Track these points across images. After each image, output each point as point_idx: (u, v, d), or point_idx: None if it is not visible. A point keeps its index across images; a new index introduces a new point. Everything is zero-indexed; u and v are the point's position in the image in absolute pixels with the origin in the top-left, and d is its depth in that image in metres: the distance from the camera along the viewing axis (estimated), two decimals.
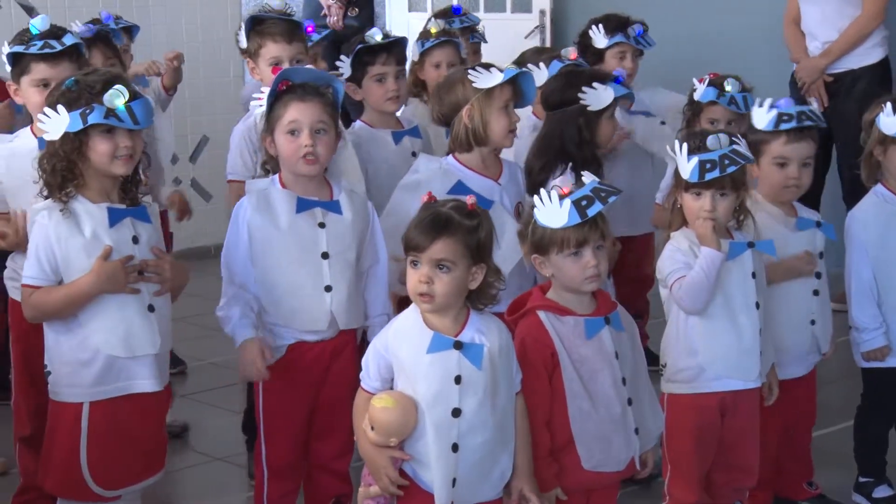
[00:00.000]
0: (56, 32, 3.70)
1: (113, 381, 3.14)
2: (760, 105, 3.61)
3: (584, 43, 4.98)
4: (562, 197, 2.92)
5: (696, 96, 4.19)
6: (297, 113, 3.27)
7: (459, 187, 3.49)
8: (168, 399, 3.42)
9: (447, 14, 5.18)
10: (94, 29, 4.32)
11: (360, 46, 4.13)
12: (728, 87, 4.12)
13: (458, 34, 4.72)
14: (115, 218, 3.13)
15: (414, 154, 4.04)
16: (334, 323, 3.36)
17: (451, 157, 3.64)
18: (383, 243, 3.44)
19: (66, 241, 3.08)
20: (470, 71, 3.55)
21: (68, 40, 3.68)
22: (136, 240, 3.15)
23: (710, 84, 4.17)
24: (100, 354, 3.12)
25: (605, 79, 3.88)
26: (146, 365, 3.15)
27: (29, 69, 3.60)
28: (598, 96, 3.81)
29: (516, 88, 3.57)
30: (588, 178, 3.00)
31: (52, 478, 3.22)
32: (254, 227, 3.29)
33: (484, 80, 3.52)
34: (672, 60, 5.55)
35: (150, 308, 3.16)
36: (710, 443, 3.40)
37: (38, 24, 3.68)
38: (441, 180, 3.52)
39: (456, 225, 2.79)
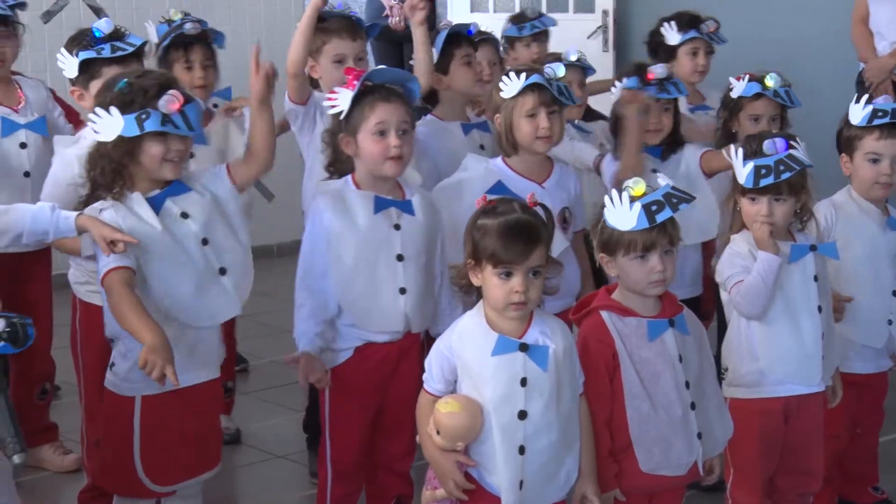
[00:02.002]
0: (120, 34, 3.75)
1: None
2: (857, 101, 3.62)
3: (655, 41, 4.97)
4: (633, 200, 2.91)
5: (736, 93, 4.13)
6: (384, 113, 3.27)
7: (498, 187, 3.50)
8: (221, 394, 3.44)
9: (522, 18, 5.20)
10: (199, 28, 4.37)
11: (446, 34, 4.15)
12: (770, 82, 4.08)
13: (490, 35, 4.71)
14: (156, 206, 3.12)
15: (483, 147, 4.07)
16: (407, 325, 3.38)
17: (499, 158, 3.68)
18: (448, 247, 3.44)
19: (135, 232, 3.09)
20: (503, 77, 3.60)
21: (134, 41, 3.73)
22: (184, 215, 3.14)
23: (750, 80, 4.13)
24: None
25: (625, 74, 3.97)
26: (191, 360, 3.15)
27: (100, 73, 3.64)
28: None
29: (544, 94, 3.57)
30: (663, 180, 2.99)
31: (106, 473, 3.27)
32: (331, 229, 3.30)
33: (507, 88, 3.57)
34: (737, 61, 5.48)
35: (222, 271, 3.17)
36: (773, 447, 3.37)
37: (102, 26, 3.73)
38: (482, 180, 3.55)
39: (540, 229, 2.82)
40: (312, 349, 3.28)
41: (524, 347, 2.81)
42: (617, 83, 4.02)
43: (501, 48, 5.04)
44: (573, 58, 4.61)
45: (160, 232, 3.11)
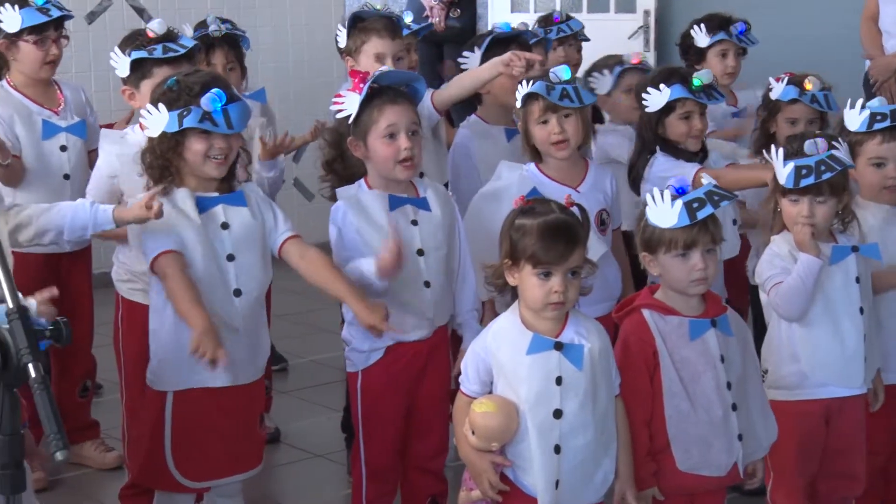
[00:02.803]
0: (173, 35, 3.78)
1: (190, 373, 3.18)
2: (852, 107, 3.55)
3: (686, 44, 4.96)
4: (674, 198, 2.90)
5: (775, 95, 4.11)
6: (394, 116, 3.28)
7: (533, 195, 3.49)
8: (262, 397, 3.45)
9: (548, 21, 5.18)
10: (223, 29, 4.39)
11: (491, 37, 4.15)
12: (809, 86, 4.04)
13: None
14: (204, 206, 3.17)
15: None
16: (435, 315, 3.39)
17: (533, 164, 3.67)
18: (466, 239, 3.45)
19: (175, 224, 3.14)
20: (519, 85, 3.61)
21: (186, 42, 3.76)
22: (224, 226, 3.19)
23: (789, 82, 4.10)
24: (179, 343, 3.16)
25: (668, 79, 3.89)
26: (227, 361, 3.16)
27: (151, 73, 3.67)
28: (655, 99, 3.87)
29: (547, 100, 3.55)
30: (706, 179, 2.98)
31: (137, 464, 3.31)
32: (355, 234, 3.31)
33: (519, 95, 3.58)
34: (778, 62, 5.45)
35: (237, 292, 3.20)
36: (813, 451, 3.35)
37: (155, 28, 3.76)
38: (518, 187, 3.53)
39: (579, 230, 2.83)
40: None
41: (559, 346, 2.81)
42: (653, 90, 3.94)
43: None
44: (634, 60, 4.59)
45: (197, 227, 3.15)
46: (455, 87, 3.99)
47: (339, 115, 3.35)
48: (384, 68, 3.53)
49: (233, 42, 4.50)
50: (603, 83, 4.63)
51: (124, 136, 3.72)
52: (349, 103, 3.31)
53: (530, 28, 4.73)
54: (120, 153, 3.61)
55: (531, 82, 3.59)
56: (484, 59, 4.12)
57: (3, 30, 4.02)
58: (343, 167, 3.40)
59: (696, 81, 3.86)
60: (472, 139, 4.06)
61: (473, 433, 2.82)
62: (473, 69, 4.07)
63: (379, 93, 3.30)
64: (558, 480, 2.81)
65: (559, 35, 5.15)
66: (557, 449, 2.80)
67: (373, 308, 3.15)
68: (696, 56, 4.89)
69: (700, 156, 3.95)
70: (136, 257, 3.50)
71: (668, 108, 3.89)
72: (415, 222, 3.36)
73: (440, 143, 4.13)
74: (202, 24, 4.54)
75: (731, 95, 4.90)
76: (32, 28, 4.01)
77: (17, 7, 4.01)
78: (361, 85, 3.27)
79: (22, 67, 4.08)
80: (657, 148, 3.92)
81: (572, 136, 3.58)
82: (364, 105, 3.28)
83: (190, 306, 3.05)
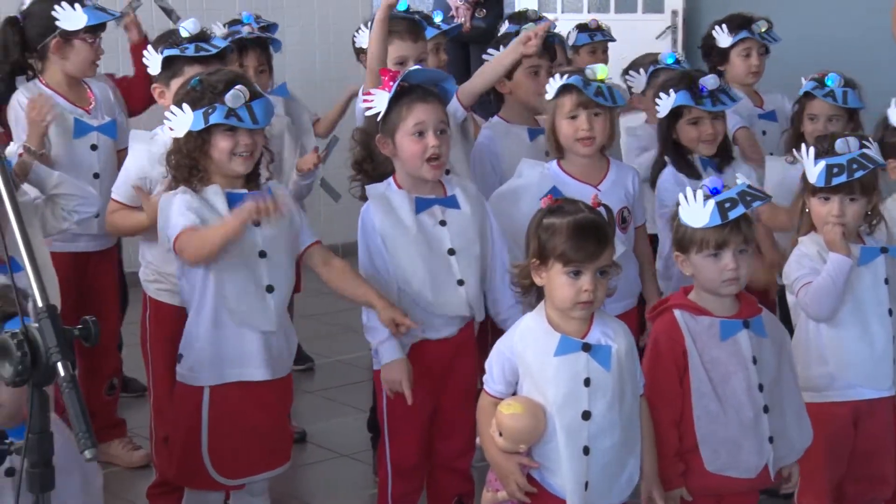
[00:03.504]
0: (206, 35, 3.80)
1: (227, 368, 3.20)
2: None
3: (708, 45, 4.94)
4: (707, 197, 2.89)
5: (801, 91, 4.11)
6: (422, 114, 3.29)
7: (554, 193, 3.47)
8: (291, 392, 3.46)
9: (582, 27, 5.17)
10: (255, 31, 4.40)
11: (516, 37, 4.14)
12: (828, 82, 4.02)
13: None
14: (234, 202, 3.18)
15: (548, 154, 4.05)
16: (471, 312, 3.39)
17: (555, 162, 3.66)
18: (500, 235, 3.45)
19: (204, 219, 3.15)
20: (549, 79, 3.60)
21: (218, 43, 3.78)
22: (256, 223, 3.18)
23: (811, 79, 4.08)
24: (217, 339, 3.19)
25: (676, 84, 3.91)
26: (256, 353, 3.20)
27: (182, 71, 3.68)
28: (663, 104, 3.88)
29: (583, 95, 3.54)
30: (740, 179, 2.97)
31: (174, 465, 3.31)
32: (384, 232, 3.32)
33: (549, 90, 3.57)
34: (812, 64, 5.41)
35: (269, 289, 3.21)
36: (841, 453, 3.33)
37: (189, 27, 3.78)
38: (538, 185, 3.53)
39: (608, 229, 2.82)
40: (396, 355, 3.31)
41: (587, 347, 2.80)
42: (663, 94, 3.95)
43: (571, 45, 5.03)
44: (669, 60, 4.57)
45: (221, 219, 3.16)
46: (479, 79, 3.98)
47: (367, 113, 3.36)
48: (414, 67, 3.53)
49: (264, 45, 4.51)
50: (640, 82, 4.62)
51: (154, 137, 3.73)
52: (378, 101, 3.31)
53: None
54: (150, 153, 3.63)
55: (565, 76, 3.57)
56: None
57: (59, 27, 4.03)
58: (372, 166, 3.40)
59: (702, 88, 3.84)
60: (495, 140, 4.05)
61: (501, 434, 2.82)
62: (495, 57, 4.06)
63: (408, 91, 3.31)
64: (587, 481, 2.81)
65: (603, 39, 5.14)
66: (586, 450, 2.80)
67: (394, 306, 3.19)
68: (719, 57, 4.87)
69: (721, 160, 3.93)
70: (163, 258, 3.51)
71: (677, 113, 3.88)
72: (443, 222, 3.36)
73: (468, 139, 4.13)
74: (236, 22, 4.55)
75: (756, 96, 4.87)
76: (90, 27, 4.04)
77: (77, 6, 4.02)
78: (391, 83, 3.28)
79: (70, 66, 4.09)
80: (665, 159, 3.93)
81: (599, 134, 3.58)
82: (393, 103, 3.29)
83: (209, 230, 3.08)
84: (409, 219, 3.32)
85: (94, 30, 4.07)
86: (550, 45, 4.19)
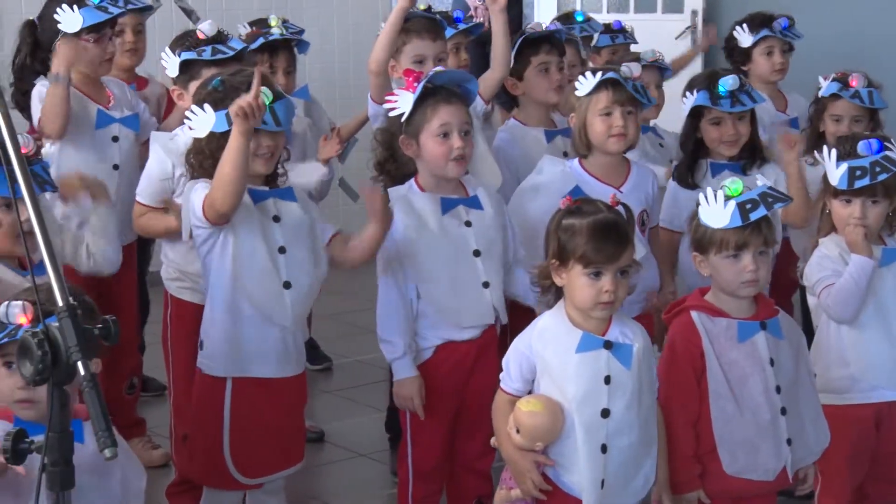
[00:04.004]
0: (222, 37, 3.81)
1: (244, 362, 3.21)
2: None
3: (731, 45, 4.92)
4: (728, 198, 2.88)
5: (821, 93, 4.08)
6: (447, 115, 3.28)
7: (576, 192, 3.47)
8: (306, 391, 3.46)
9: (569, 19, 5.16)
10: (285, 34, 4.41)
11: (522, 38, 4.13)
12: (852, 82, 3.99)
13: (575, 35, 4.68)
14: (256, 198, 3.19)
15: (566, 154, 4.04)
16: (496, 317, 3.39)
17: (576, 160, 3.65)
18: (517, 235, 3.45)
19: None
20: (579, 77, 3.57)
21: (235, 44, 3.79)
22: (276, 219, 3.21)
23: (834, 80, 4.06)
24: (236, 332, 3.20)
25: (696, 85, 3.89)
26: (271, 350, 3.21)
27: (200, 74, 3.69)
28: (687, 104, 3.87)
29: (619, 93, 3.53)
30: (761, 180, 2.96)
31: (195, 463, 3.33)
32: (407, 235, 3.31)
33: (582, 87, 3.54)
34: (833, 61, 5.39)
35: (287, 285, 3.21)
36: (863, 455, 3.32)
37: (206, 29, 3.78)
38: (560, 184, 3.51)
39: (628, 229, 2.82)
40: (409, 373, 3.32)
41: (609, 345, 2.80)
42: (688, 94, 3.93)
43: (584, 51, 5.02)
44: (650, 58, 4.57)
45: (252, 213, 3.18)
46: (494, 66, 3.97)
47: (391, 114, 3.36)
48: (438, 68, 3.52)
49: (292, 46, 4.52)
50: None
51: (174, 138, 3.75)
52: (402, 102, 3.31)
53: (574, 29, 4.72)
54: (171, 153, 3.64)
55: (599, 73, 3.55)
56: (516, 59, 4.10)
57: (61, 30, 4.06)
58: (395, 167, 3.40)
59: (720, 88, 3.82)
60: (512, 143, 4.04)
61: (518, 432, 2.82)
62: (493, 40, 4.00)
63: (432, 92, 3.30)
64: (604, 479, 2.80)
65: (626, 41, 5.13)
66: (604, 448, 2.79)
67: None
68: (741, 57, 4.85)
69: (747, 162, 3.91)
70: (185, 256, 3.52)
71: (698, 112, 3.87)
72: (468, 223, 3.36)
73: (494, 132, 4.13)
74: (260, 22, 4.55)
75: (780, 97, 4.84)
76: (91, 27, 4.05)
77: (75, 7, 4.04)
78: (415, 84, 3.28)
79: (80, 66, 4.12)
80: (675, 174, 3.94)
81: (631, 132, 3.57)
82: (417, 104, 3.29)
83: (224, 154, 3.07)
84: (433, 221, 3.32)
85: (97, 29, 4.08)
86: (559, 41, 4.17)
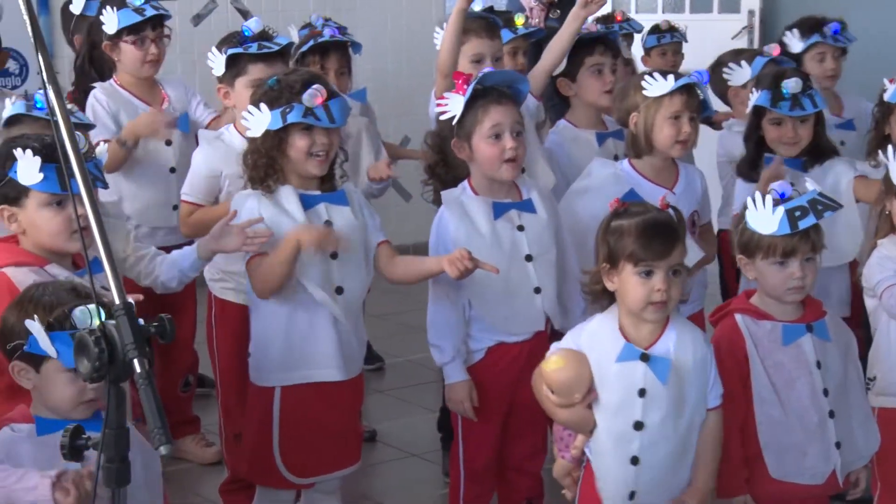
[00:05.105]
0: (268, 34, 3.83)
1: (300, 369, 3.23)
2: None
3: (782, 51, 4.85)
4: (776, 203, 2.84)
5: (886, 97, 4.01)
6: (498, 116, 3.28)
7: (631, 195, 3.44)
8: (362, 392, 3.48)
9: (608, 20, 5.13)
10: (336, 33, 4.44)
11: (576, 39, 4.11)
12: None
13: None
14: (308, 203, 3.21)
15: (616, 157, 4.01)
16: (546, 323, 3.38)
17: (626, 162, 3.62)
18: (569, 240, 3.43)
19: (274, 223, 3.18)
20: (646, 77, 3.53)
21: (281, 41, 3.81)
22: (328, 224, 3.22)
23: None
24: (289, 340, 3.21)
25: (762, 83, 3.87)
26: (332, 354, 3.23)
27: (245, 70, 3.73)
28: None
29: (692, 99, 3.50)
30: (811, 185, 2.92)
31: (247, 462, 3.35)
32: (458, 239, 3.30)
33: (653, 87, 3.49)
34: (887, 62, 5.31)
35: (339, 290, 3.23)
36: None
37: (252, 26, 3.81)
38: (613, 186, 3.46)
39: (677, 227, 2.80)
40: (460, 376, 3.33)
41: (645, 358, 2.77)
42: (754, 90, 3.91)
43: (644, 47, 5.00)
44: (774, 52, 4.50)
45: (293, 224, 3.18)
46: (545, 57, 3.97)
47: (442, 117, 3.35)
48: (487, 69, 3.52)
49: (344, 47, 4.54)
50: (739, 75, 4.54)
51: (220, 136, 3.78)
52: (453, 105, 3.31)
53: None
54: (217, 150, 3.67)
55: (672, 77, 3.51)
56: (570, 60, 4.08)
57: (105, 32, 4.12)
58: (446, 171, 3.40)
59: (783, 90, 3.79)
60: (562, 146, 4.03)
61: (553, 392, 2.79)
62: (558, 32, 4.01)
63: (483, 93, 3.30)
64: (634, 491, 2.78)
65: (673, 40, 5.09)
66: (635, 460, 2.77)
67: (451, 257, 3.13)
68: (794, 62, 4.78)
69: (808, 161, 3.87)
70: (227, 256, 3.55)
71: (760, 111, 3.83)
72: (521, 227, 3.35)
73: (543, 129, 4.12)
74: (308, 25, 4.58)
75: (835, 100, 4.76)
76: (130, 28, 4.10)
77: (114, 9, 4.10)
78: (465, 86, 3.27)
79: (124, 67, 4.18)
80: (737, 169, 3.91)
81: (694, 139, 3.56)
82: (468, 106, 3.28)
83: (276, 253, 3.10)
84: (485, 225, 3.32)
85: (137, 30, 4.12)
86: (612, 41, 4.15)
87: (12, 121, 3.40)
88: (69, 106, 3.25)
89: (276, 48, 3.76)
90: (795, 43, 4.79)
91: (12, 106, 3.39)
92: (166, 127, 4.06)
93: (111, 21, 4.11)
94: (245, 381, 3.46)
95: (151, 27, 4.18)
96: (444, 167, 3.40)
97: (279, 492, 3.36)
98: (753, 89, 3.93)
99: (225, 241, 3.18)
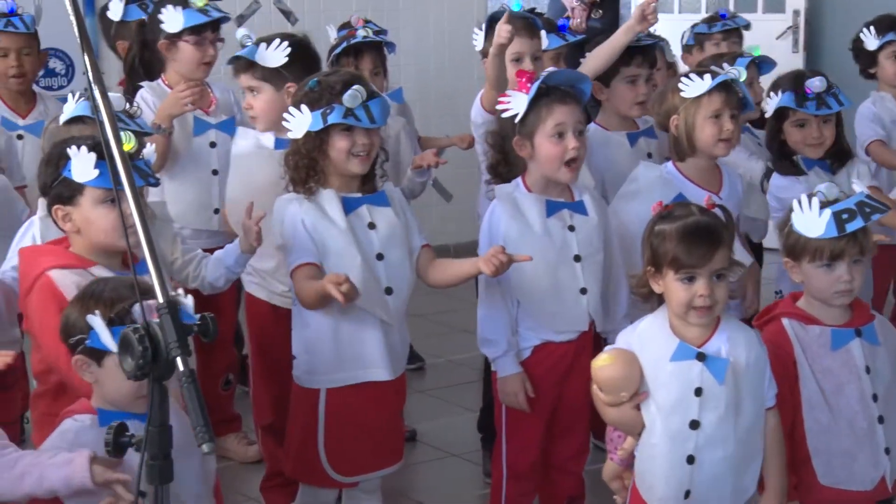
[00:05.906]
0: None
1: (348, 370, 3.24)
2: None
3: (857, 47, 4.83)
4: (823, 206, 2.82)
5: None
6: (562, 115, 3.27)
7: (678, 199, 3.41)
8: (405, 392, 3.48)
9: (713, 20, 5.09)
10: (370, 33, 4.45)
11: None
12: None
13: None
14: (350, 206, 3.22)
15: (650, 155, 3.99)
16: (590, 324, 3.37)
17: (671, 164, 3.60)
18: (618, 243, 3.42)
19: (317, 227, 3.19)
20: (682, 79, 3.51)
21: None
22: (371, 226, 3.23)
23: None
24: (337, 343, 3.22)
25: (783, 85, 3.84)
26: (379, 354, 3.24)
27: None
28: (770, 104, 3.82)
29: (731, 96, 3.47)
30: (858, 186, 2.89)
31: (292, 462, 3.36)
32: (510, 235, 3.30)
33: (691, 88, 3.47)
34: None
35: (388, 291, 3.24)
36: None
37: (243, 39, 3.89)
38: (661, 190, 3.44)
39: (722, 231, 2.77)
40: (513, 369, 3.32)
41: (702, 357, 2.75)
42: (772, 94, 3.87)
43: (683, 45, 4.96)
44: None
45: (342, 230, 3.19)
46: (589, 62, 3.95)
47: (504, 115, 3.34)
48: (552, 68, 3.50)
49: (379, 47, 4.55)
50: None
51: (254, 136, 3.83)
52: (516, 103, 3.29)
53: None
54: (254, 146, 3.71)
55: (708, 76, 3.48)
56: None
57: (164, 30, 4.14)
58: (507, 170, 3.39)
59: (807, 90, 3.76)
60: (593, 149, 3.99)
61: (602, 391, 2.79)
62: (609, 39, 3.99)
63: (546, 92, 3.29)
64: (689, 490, 2.77)
65: (724, 28, 5.04)
66: (691, 459, 2.75)
67: (489, 257, 3.12)
68: (867, 60, 4.77)
69: (833, 162, 3.83)
70: (258, 253, 3.54)
71: (783, 114, 3.80)
72: (571, 228, 3.34)
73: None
74: (346, 25, 4.59)
75: None
76: (192, 29, 4.13)
77: (179, 8, 4.12)
78: (529, 84, 3.26)
79: (179, 67, 4.19)
80: (768, 162, 3.87)
81: (736, 137, 3.53)
82: (531, 105, 3.27)
83: (315, 290, 3.10)
84: (537, 223, 3.31)
85: (199, 31, 4.15)
86: (651, 53, 4.12)
87: (72, 121, 3.43)
88: (133, 109, 3.33)
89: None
90: (871, 40, 4.76)
91: (76, 105, 3.39)
92: (196, 98, 4.05)
93: (175, 20, 4.11)
94: (270, 375, 3.51)
95: (211, 29, 4.21)
96: (505, 166, 3.39)
97: (322, 491, 3.38)
98: (771, 93, 3.89)
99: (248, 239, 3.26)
